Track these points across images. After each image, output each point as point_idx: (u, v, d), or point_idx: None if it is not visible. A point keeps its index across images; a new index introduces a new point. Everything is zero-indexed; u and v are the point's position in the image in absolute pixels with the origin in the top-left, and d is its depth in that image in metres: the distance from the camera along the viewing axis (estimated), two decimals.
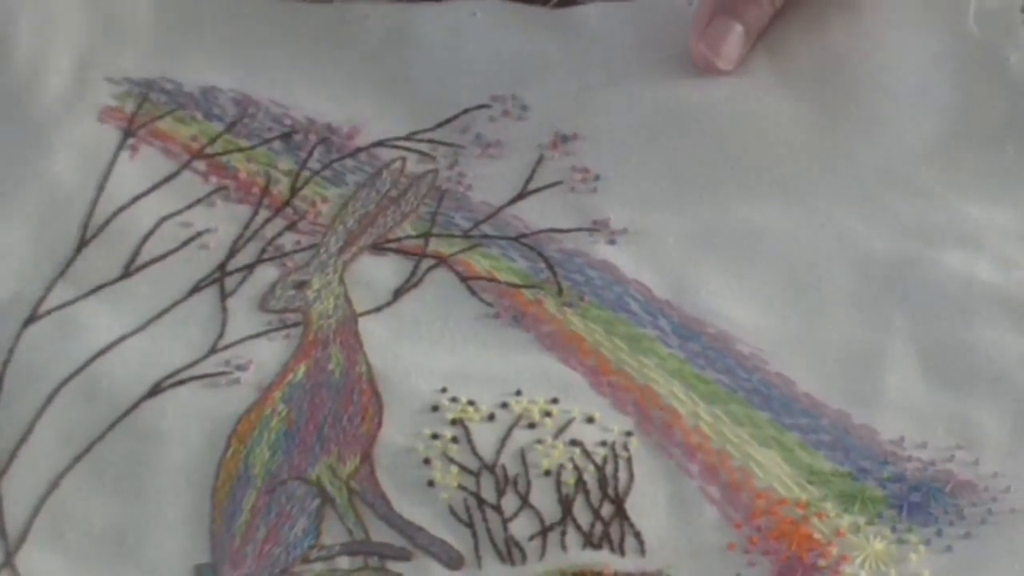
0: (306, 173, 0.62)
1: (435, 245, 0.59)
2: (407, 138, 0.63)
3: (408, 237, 0.60)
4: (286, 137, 0.63)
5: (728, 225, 0.60)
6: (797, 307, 0.57)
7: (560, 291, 0.57)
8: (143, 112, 0.63)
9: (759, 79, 0.65)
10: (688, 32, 0.65)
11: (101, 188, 0.60)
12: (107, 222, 0.59)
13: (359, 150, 0.63)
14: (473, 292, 0.57)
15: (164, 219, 0.59)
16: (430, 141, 0.63)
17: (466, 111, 0.64)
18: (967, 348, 0.54)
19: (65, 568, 0.48)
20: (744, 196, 0.61)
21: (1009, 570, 0.47)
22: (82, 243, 0.58)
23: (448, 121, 0.64)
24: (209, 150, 0.62)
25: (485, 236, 0.60)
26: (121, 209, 0.60)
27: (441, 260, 0.59)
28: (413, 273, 0.58)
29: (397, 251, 0.59)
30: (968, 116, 0.63)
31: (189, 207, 0.60)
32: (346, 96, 0.65)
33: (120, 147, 0.62)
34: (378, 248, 0.59)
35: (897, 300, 0.56)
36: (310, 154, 0.62)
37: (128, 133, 0.62)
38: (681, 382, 0.54)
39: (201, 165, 0.62)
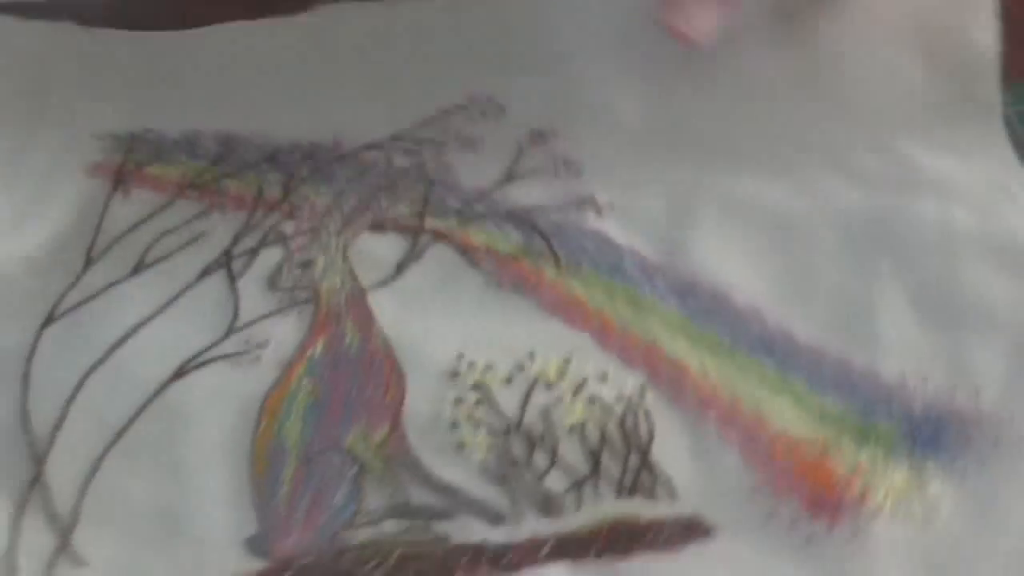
0: (296, 180, 0.63)
1: (431, 223, 0.61)
2: (391, 139, 0.65)
3: (404, 216, 0.61)
4: (271, 159, 0.64)
5: (711, 195, 0.62)
6: (786, 263, 0.59)
7: (557, 260, 0.59)
8: (129, 161, 0.64)
9: (731, 61, 0.68)
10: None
11: (99, 226, 0.61)
12: (109, 247, 0.60)
13: (345, 155, 0.64)
14: (473, 263, 0.59)
15: (165, 232, 0.61)
16: (413, 139, 0.65)
17: (445, 111, 0.66)
18: (953, 289, 0.57)
19: (119, 546, 0.48)
20: (723, 169, 0.63)
21: (1022, 494, 0.49)
22: (88, 263, 0.59)
23: (429, 121, 0.65)
24: (198, 182, 0.63)
25: (478, 214, 0.61)
26: (122, 235, 0.61)
27: (439, 235, 0.60)
28: (413, 248, 0.60)
29: (395, 228, 0.61)
30: (934, 92, 0.66)
31: (187, 222, 0.61)
32: (326, 110, 0.66)
33: (112, 193, 0.63)
34: (376, 227, 0.61)
35: (880, 249, 0.59)
36: (298, 166, 0.64)
37: (118, 181, 0.63)
38: (685, 338, 0.56)
39: (193, 193, 0.63)
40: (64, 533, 0.49)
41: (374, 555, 0.48)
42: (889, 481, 0.50)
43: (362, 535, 0.49)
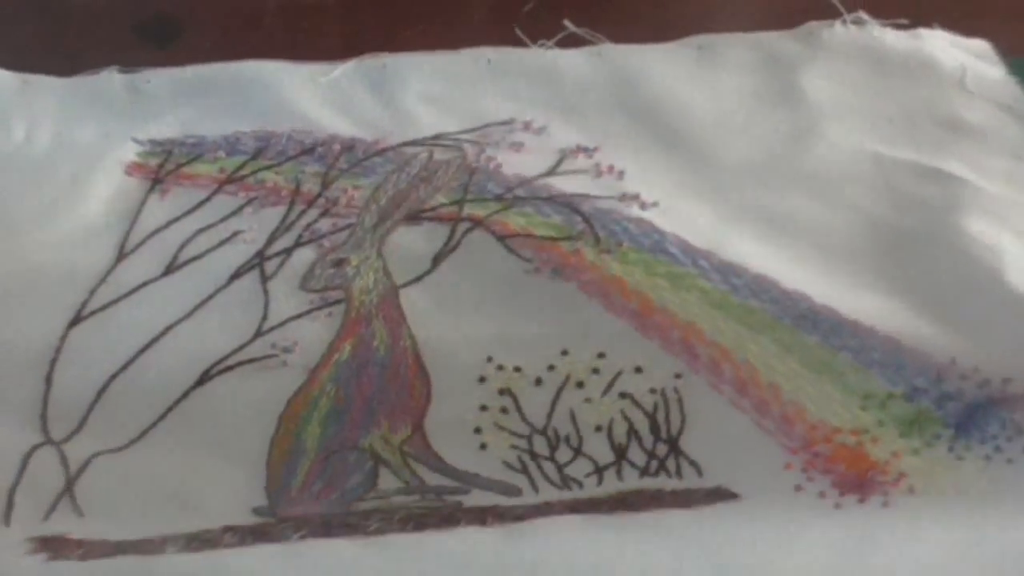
0: (335, 172, 0.63)
1: (470, 209, 0.60)
2: (433, 138, 0.64)
3: (442, 205, 0.60)
4: (310, 151, 0.64)
5: (754, 207, 0.60)
6: (832, 263, 0.57)
7: (597, 240, 0.57)
8: (169, 163, 0.64)
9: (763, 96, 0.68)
10: None
11: (135, 220, 0.61)
12: (143, 241, 0.60)
13: (385, 150, 0.64)
14: (511, 250, 0.57)
15: (200, 231, 0.60)
16: (456, 139, 0.64)
17: (488, 125, 0.65)
18: (1008, 301, 0.54)
19: (120, 506, 0.48)
20: (764, 185, 0.62)
21: None
22: (120, 257, 0.59)
23: (472, 130, 0.65)
24: (235, 176, 0.63)
25: (519, 198, 0.60)
26: (157, 231, 0.60)
27: (477, 222, 0.59)
28: (451, 237, 0.58)
29: (432, 219, 0.59)
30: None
31: (224, 219, 0.61)
32: (371, 117, 0.66)
33: (150, 191, 0.63)
34: (413, 218, 0.60)
35: (927, 270, 0.56)
36: (337, 158, 0.63)
37: (157, 181, 0.63)
38: (725, 314, 0.54)
39: (231, 187, 0.63)
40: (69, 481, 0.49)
41: (379, 513, 0.47)
42: (925, 468, 0.47)
43: (372, 503, 0.47)
